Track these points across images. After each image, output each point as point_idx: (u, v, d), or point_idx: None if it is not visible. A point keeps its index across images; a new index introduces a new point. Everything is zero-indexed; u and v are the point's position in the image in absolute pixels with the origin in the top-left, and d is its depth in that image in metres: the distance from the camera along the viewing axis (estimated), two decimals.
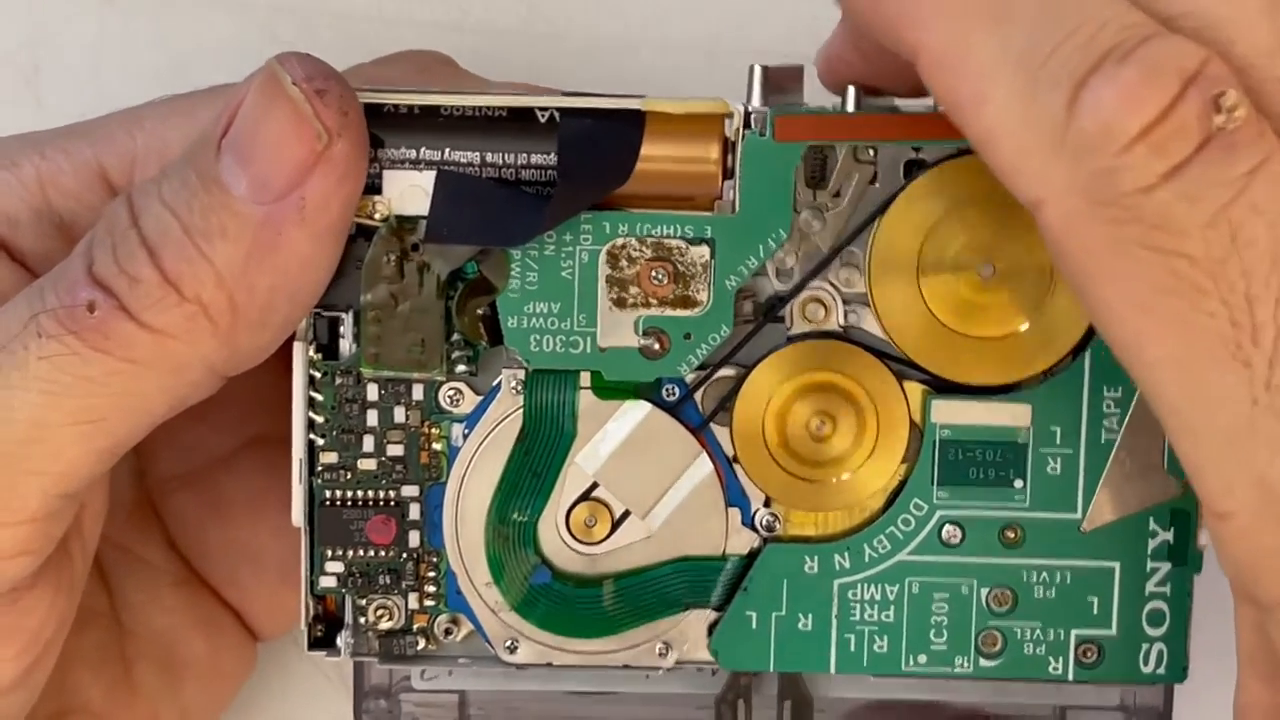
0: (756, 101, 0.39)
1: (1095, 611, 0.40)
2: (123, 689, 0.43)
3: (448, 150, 0.39)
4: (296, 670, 0.44)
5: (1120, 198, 0.32)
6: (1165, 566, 0.40)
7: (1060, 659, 0.40)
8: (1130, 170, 0.32)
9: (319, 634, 0.41)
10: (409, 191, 0.39)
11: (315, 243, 0.37)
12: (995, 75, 0.32)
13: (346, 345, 0.40)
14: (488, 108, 0.39)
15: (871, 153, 0.39)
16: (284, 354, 0.44)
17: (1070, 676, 0.40)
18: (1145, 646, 0.40)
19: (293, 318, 0.38)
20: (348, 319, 0.40)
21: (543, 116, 0.39)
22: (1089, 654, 0.40)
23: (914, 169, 0.39)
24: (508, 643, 0.40)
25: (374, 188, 0.39)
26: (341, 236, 0.38)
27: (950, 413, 0.40)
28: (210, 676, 0.44)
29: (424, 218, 0.39)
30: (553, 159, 0.39)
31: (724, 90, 0.45)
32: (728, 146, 0.39)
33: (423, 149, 0.39)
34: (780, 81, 0.39)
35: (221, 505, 0.44)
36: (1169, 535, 0.40)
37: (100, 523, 0.41)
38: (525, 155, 0.39)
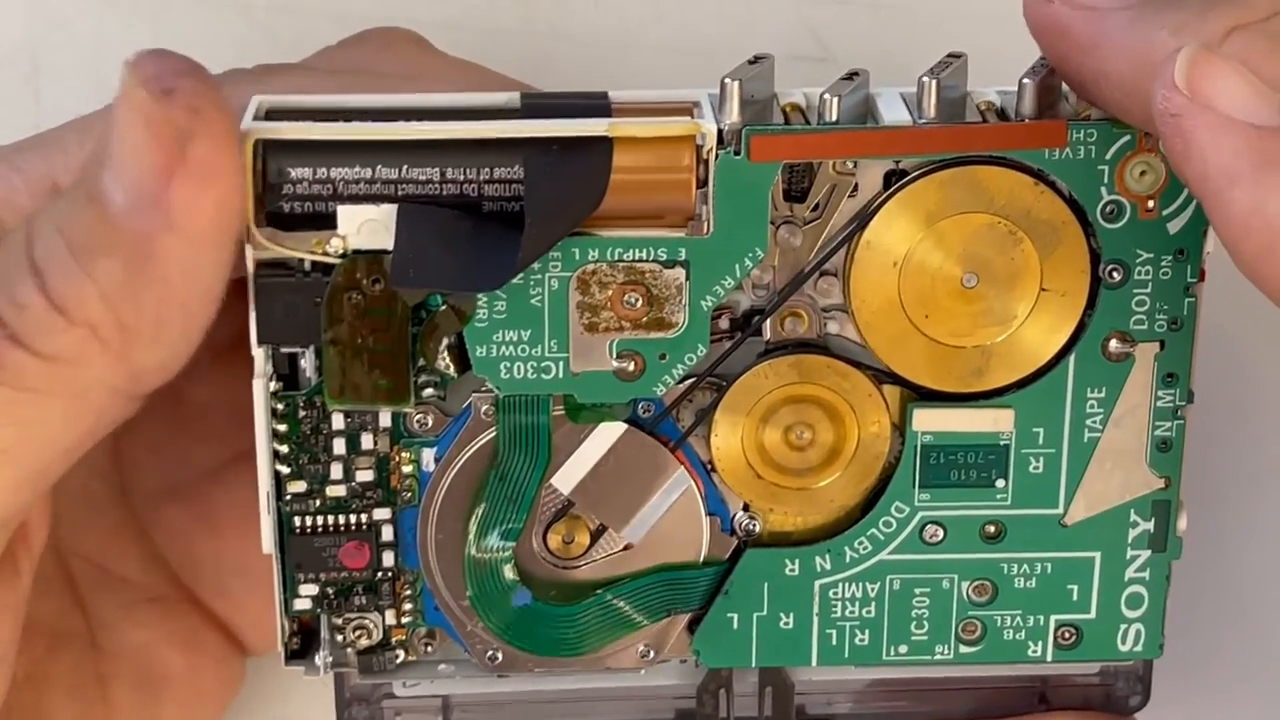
0: (730, 117, 0.37)
1: (1075, 598, 0.40)
2: (99, 710, 0.42)
3: (405, 168, 0.37)
4: (294, 673, 0.44)
5: None
6: (1145, 554, 0.40)
7: (1039, 643, 0.41)
8: None
9: (295, 648, 0.40)
10: (366, 226, 0.37)
11: (193, 249, 0.35)
12: None
13: (307, 374, 0.38)
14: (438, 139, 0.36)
15: (851, 165, 0.37)
16: None
17: (1049, 658, 0.41)
18: (1123, 627, 0.41)
19: (190, 328, 0.36)
20: (309, 353, 0.38)
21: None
22: (1067, 636, 0.41)
23: (894, 179, 0.38)
24: (489, 654, 0.40)
25: (329, 223, 0.37)
26: (224, 238, 0.35)
27: (931, 420, 0.39)
28: (190, 695, 0.43)
29: (384, 252, 0.37)
30: (516, 172, 0.37)
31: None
32: (700, 158, 0.37)
33: (379, 167, 0.37)
34: (754, 88, 0.37)
35: (211, 518, 0.43)
36: (1149, 525, 0.40)
37: (44, 531, 0.39)
38: (488, 170, 0.37)
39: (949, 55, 0.38)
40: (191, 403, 0.43)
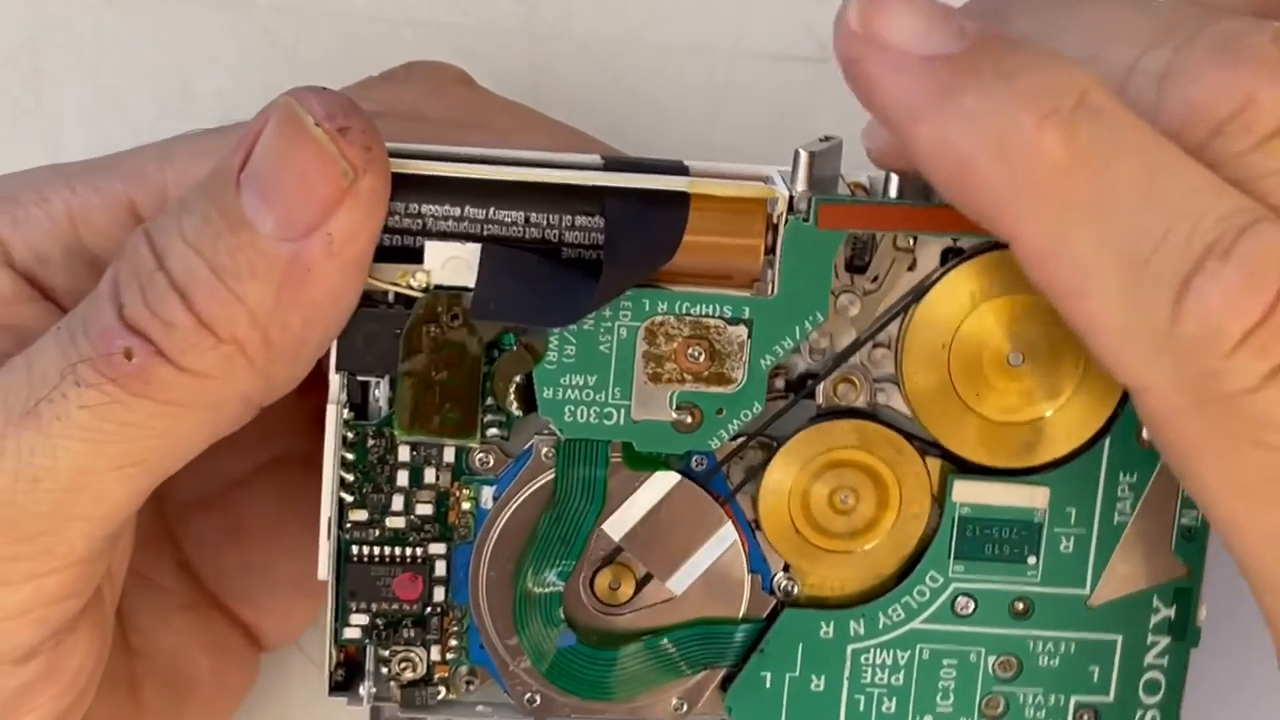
0: (800, 185, 0.39)
1: (1095, 680, 0.42)
2: (129, 709, 0.43)
3: (492, 210, 0.39)
4: (297, 672, 0.45)
5: (1225, 398, 0.33)
6: (1165, 640, 0.42)
7: None
8: (1235, 374, 0.32)
9: (339, 679, 0.41)
10: (450, 263, 0.39)
11: (343, 276, 0.37)
12: (1096, 271, 0.33)
13: (378, 404, 0.40)
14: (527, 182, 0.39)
15: (911, 240, 0.40)
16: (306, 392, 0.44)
17: None
18: (1140, 712, 0.42)
19: (324, 346, 0.38)
20: (383, 383, 0.40)
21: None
22: (1086, 718, 0.42)
23: (950, 256, 0.40)
24: (528, 696, 0.41)
25: (415, 257, 0.39)
26: (367, 265, 0.38)
27: (971, 492, 0.41)
28: (214, 694, 0.45)
29: (465, 289, 0.39)
30: (596, 221, 0.39)
31: (724, 92, 0.45)
32: (769, 225, 0.39)
33: (467, 207, 0.39)
34: (822, 165, 0.39)
35: (239, 527, 0.45)
36: (1170, 611, 0.41)
37: (126, 560, 0.41)
38: (570, 218, 0.39)
39: None
40: None
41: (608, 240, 0.38)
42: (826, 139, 0.40)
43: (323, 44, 0.44)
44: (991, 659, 0.42)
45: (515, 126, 0.43)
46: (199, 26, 0.47)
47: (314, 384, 0.40)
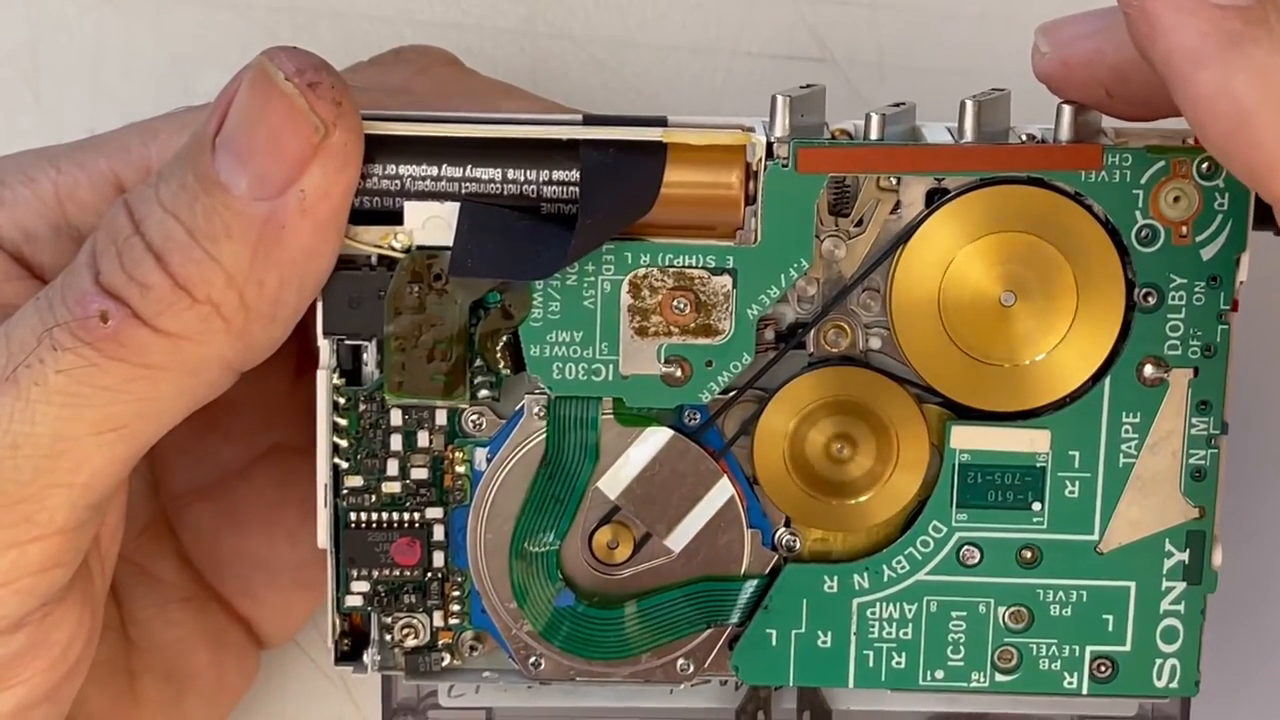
0: (779, 131, 0.39)
1: (1110, 629, 0.41)
2: (127, 701, 0.43)
3: (469, 168, 0.39)
4: (296, 671, 0.45)
5: None
6: (1180, 586, 0.41)
7: (1075, 674, 0.41)
8: None
9: (345, 648, 0.41)
10: (431, 222, 0.39)
11: (318, 233, 0.37)
12: None
13: (369, 370, 0.40)
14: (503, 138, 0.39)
15: (894, 181, 0.39)
16: (298, 365, 0.44)
17: (1084, 690, 0.41)
18: (1159, 662, 0.41)
19: (301, 306, 0.38)
20: (371, 346, 0.40)
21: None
22: (1103, 669, 0.41)
23: (935, 197, 0.39)
24: (532, 659, 0.41)
25: (395, 218, 0.39)
26: (343, 222, 0.38)
27: (969, 438, 0.40)
28: (213, 689, 0.45)
29: (446, 248, 0.39)
30: (574, 175, 0.39)
31: (724, 92, 0.45)
32: (749, 174, 0.39)
33: (444, 166, 0.39)
34: (803, 108, 0.39)
35: (237, 516, 0.45)
36: (1184, 556, 0.40)
37: (118, 539, 0.41)
38: (547, 172, 0.39)
39: (992, 89, 0.40)
40: (218, 402, 0.44)
41: (583, 191, 0.38)
42: (807, 86, 0.40)
43: (322, 43, 0.45)
44: (1002, 610, 0.41)
45: (503, 100, 0.43)
46: (199, 26, 0.47)
47: (309, 370, 0.40)
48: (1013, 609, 0.41)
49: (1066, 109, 0.39)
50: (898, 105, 0.40)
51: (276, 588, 0.45)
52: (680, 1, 0.47)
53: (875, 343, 0.40)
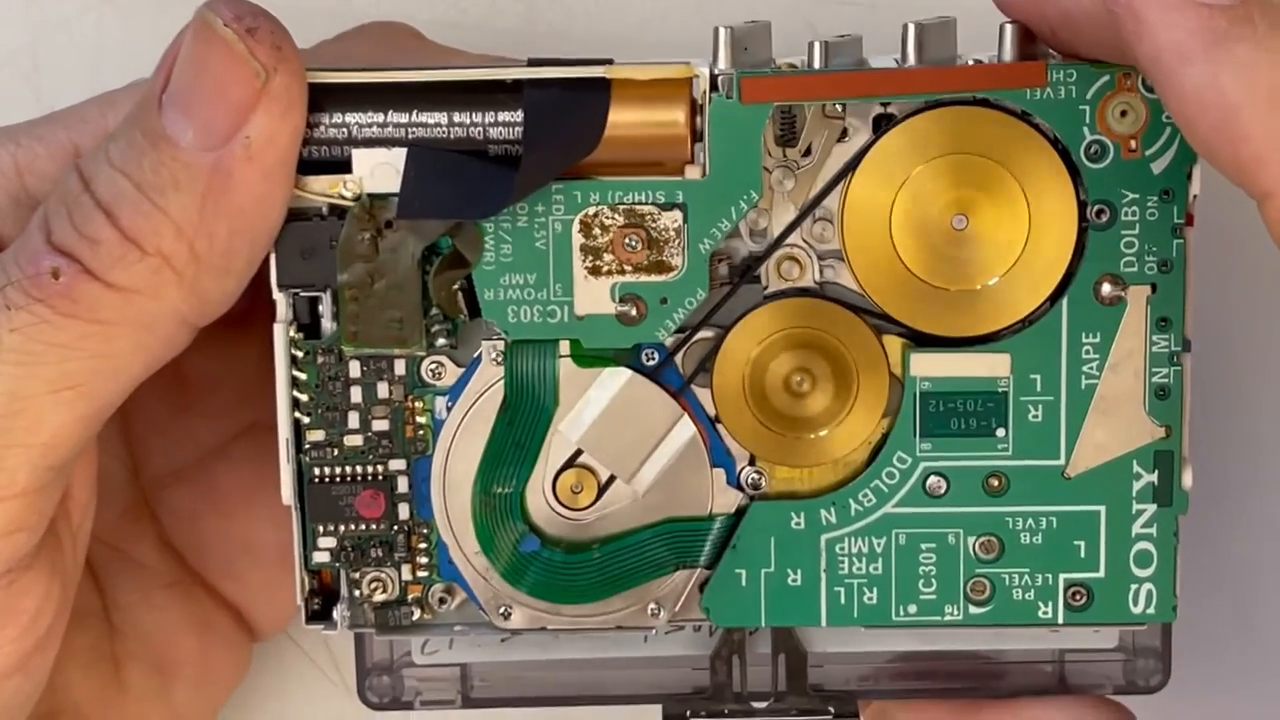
0: (723, 64, 0.39)
1: (1082, 555, 0.40)
2: (112, 689, 0.43)
3: (415, 113, 0.39)
4: (294, 669, 0.45)
5: None
6: (1150, 508, 0.40)
7: (1049, 603, 0.41)
8: None
9: (315, 607, 0.41)
10: (379, 169, 0.39)
11: (266, 180, 0.37)
12: None
13: (327, 324, 0.40)
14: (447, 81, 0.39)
15: (840, 108, 0.39)
16: (271, 340, 0.44)
17: (1060, 620, 0.41)
18: (1134, 587, 0.40)
19: (254, 258, 0.38)
20: (326, 298, 0.40)
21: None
22: (1078, 597, 0.40)
23: (882, 123, 0.39)
24: (501, 609, 0.41)
25: (344, 166, 0.39)
26: (291, 170, 0.38)
27: (929, 365, 0.40)
28: (202, 677, 0.44)
29: (395, 195, 0.39)
30: (519, 116, 0.39)
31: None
32: (695, 109, 0.39)
33: (390, 113, 0.39)
34: (747, 41, 0.39)
35: (217, 497, 0.45)
36: (1153, 477, 0.40)
37: (90, 513, 0.41)
38: (493, 114, 0.39)
39: (938, 16, 0.40)
40: (194, 380, 0.44)
41: (526, 128, 0.38)
42: (753, 22, 0.40)
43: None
44: (971, 540, 0.40)
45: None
46: None
47: None
48: (983, 539, 0.40)
49: (1009, 27, 0.39)
50: (843, 36, 0.40)
51: (261, 570, 0.45)
52: (680, 2, 0.47)
53: (830, 273, 0.40)
